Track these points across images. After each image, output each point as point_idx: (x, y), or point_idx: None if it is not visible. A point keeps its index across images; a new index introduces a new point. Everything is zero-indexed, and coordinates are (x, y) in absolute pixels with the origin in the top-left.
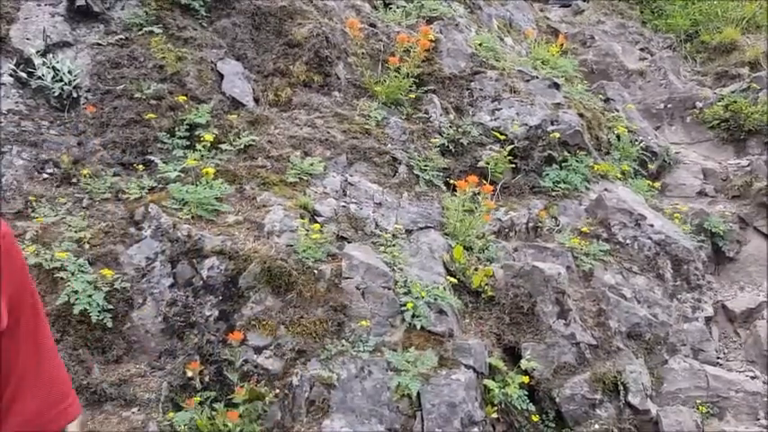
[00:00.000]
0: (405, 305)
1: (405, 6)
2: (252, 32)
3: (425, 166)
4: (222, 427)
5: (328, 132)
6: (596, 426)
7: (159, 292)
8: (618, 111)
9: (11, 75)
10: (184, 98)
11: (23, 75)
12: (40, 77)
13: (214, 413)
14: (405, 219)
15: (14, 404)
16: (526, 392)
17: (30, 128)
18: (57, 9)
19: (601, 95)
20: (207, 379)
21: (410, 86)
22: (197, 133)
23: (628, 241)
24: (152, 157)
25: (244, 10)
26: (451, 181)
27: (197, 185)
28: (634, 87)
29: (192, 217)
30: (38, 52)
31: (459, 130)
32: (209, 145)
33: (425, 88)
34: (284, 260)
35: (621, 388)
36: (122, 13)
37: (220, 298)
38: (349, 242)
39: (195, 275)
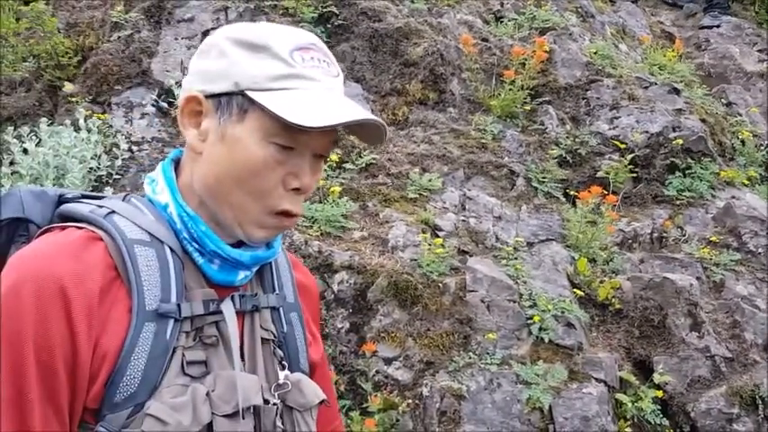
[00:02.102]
0: (531, 318)
1: (516, 19)
2: (369, 55)
3: (543, 177)
4: None
5: (445, 148)
6: None
7: None
8: (741, 115)
9: (153, 105)
10: None
11: (164, 105)
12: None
13: (349, 421)
14: (525, 231)
15: None
16: (659, 407)
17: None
18: (192, 42)
19: (722, 99)
20: (342, 388)
21: (525, 99)
22: None
23: (760, 250)
24: None
25: (362, 33)
26: (570, 192)
27: (324, 203)
28: (755, 90)
29: (321, 234)
30: (177, 83)
31: (577, 140)
32: (334, 165)
33: (540, 100)
34: (409, 274)
35: (760, 402)
36: None
37: (350, 311)
38: (471, 256)
39: (327, 289)
